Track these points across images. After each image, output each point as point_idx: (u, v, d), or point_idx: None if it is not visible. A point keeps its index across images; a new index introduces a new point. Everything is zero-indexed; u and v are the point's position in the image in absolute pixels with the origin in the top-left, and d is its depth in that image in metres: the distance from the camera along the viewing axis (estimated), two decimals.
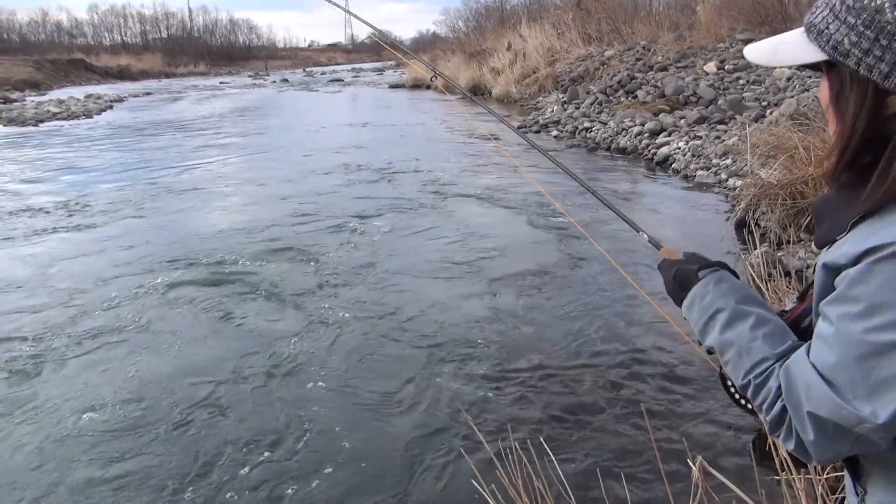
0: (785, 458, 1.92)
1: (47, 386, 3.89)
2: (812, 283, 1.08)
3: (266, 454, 3.18)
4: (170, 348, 4.34)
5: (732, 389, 1.28)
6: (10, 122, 19.24)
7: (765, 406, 1.04)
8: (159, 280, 5.52)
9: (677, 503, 1.96)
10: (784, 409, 1.00)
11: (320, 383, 3.84)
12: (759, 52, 1.11)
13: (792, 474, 1.88)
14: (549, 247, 6.34)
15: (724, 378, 1.30)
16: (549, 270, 5.67)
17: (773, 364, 1.06)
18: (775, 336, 1.10)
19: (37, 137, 16.09)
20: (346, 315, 4.83)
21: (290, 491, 2.93)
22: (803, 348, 1.02)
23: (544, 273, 5.60)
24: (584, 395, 3.65)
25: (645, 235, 1.55)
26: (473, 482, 2.32)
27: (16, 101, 27.48)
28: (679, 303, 1.28)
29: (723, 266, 1.26)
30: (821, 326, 0.99)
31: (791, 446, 1.01)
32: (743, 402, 1.23)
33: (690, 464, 1.84)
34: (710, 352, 1.22)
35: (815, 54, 1.01)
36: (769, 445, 2.09)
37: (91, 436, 3.37)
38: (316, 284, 5.39)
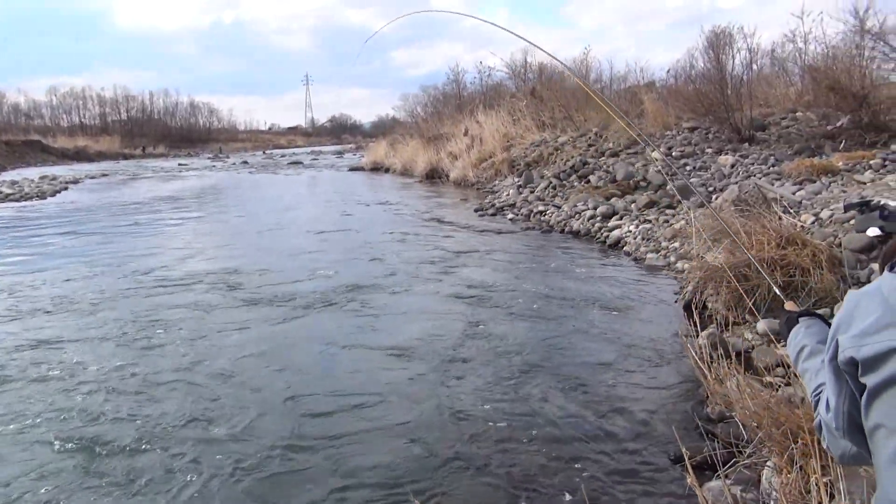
0: None
1: None
2: None
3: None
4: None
5: None
6: None
7: (816, 415, 1.48)
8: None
9: None
10: (821, 422, 1.45)
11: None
12: None
13: None
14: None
15: None
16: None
17: None
18: None
19: None
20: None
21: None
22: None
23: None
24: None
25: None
26: None
27: None
28: (785, 340, 1.84)
29: (818, 316, 1.83)
30: None
31: (825, 445, 1.47)
32: None
33: None
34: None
35: None
36: None
37: None
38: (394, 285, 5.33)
